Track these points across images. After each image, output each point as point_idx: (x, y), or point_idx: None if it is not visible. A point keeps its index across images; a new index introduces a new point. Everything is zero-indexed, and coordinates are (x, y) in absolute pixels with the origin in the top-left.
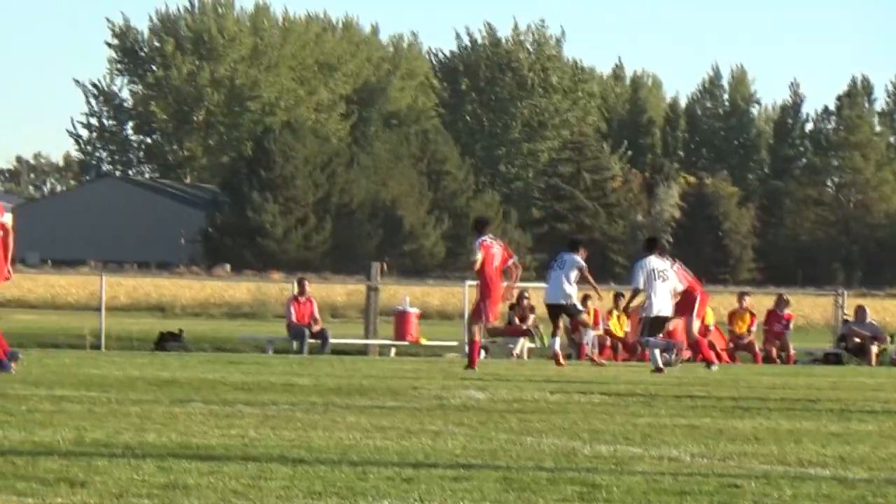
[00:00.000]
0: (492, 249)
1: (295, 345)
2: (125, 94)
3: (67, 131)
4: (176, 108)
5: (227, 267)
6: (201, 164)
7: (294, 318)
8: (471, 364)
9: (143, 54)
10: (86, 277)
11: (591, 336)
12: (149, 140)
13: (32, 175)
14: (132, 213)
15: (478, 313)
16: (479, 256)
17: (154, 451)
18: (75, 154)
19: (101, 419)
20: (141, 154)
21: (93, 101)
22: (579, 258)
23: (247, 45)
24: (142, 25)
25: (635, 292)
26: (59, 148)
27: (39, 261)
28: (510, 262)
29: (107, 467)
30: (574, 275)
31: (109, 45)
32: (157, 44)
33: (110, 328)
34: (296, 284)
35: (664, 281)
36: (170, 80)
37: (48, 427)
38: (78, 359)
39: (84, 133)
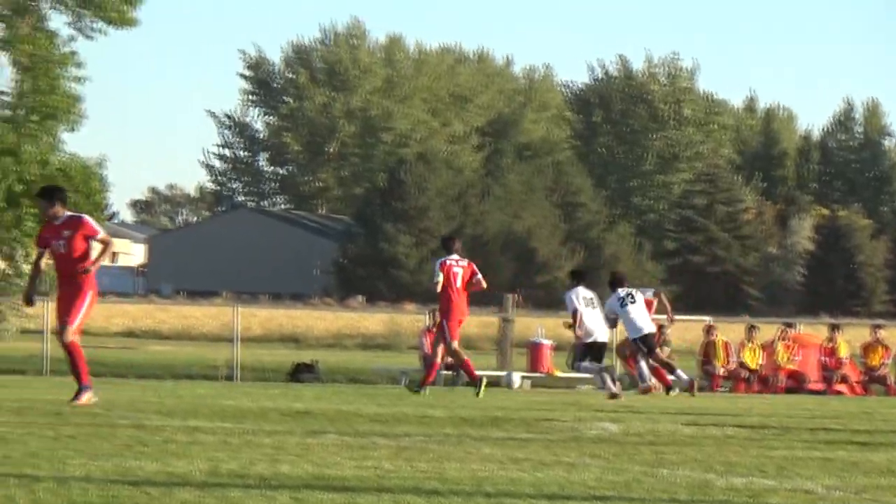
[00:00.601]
0: (453, 269)
1: None
2: (259, 125)
3: (201, 162)
4: (309, 140)
5: (361, 298)
6: (335, 196)
7: (428, 350)
8: (423, 383)
9: (276, 85)
10: (219, 308)
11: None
12: (282, 171)
13: (166, 206)
14: (265, 244)
15: (441, 333)
16: (440, 279)
17: (288, 482)
18: (209, 185)
19: (235, 450)
20: (275, 185)
21: (226, 133)
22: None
23: (380, 76)
24: (275, 57)
25: (574, 315)
26: (192, 179)
27: (173, 292)
28: (474, 279)
29: (241, 498)
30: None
31: (243, 76)
32: (290, 75)
33: (244, 359)
34: (429, 315)
35: (594, 308)
36: (303, 111)
37: (183, 458)
38: (212, 390)
39: (217, 164)
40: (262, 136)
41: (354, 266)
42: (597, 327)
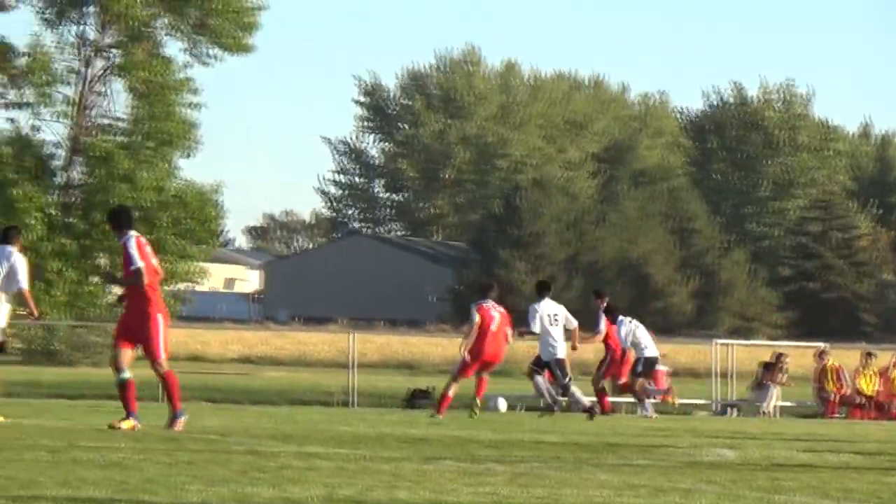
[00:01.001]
0: (490, 312)
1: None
2: (374, 151)
3: (316, 188)
4: (425, 166)
5: None
6: (450, 222)
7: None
8: (438, 410)
9: (391, 112)
10: (335, 335)
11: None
12: (398, 197)
13: (282, 232)
14: (381, 270)
15: (463, 369)
16: (477, 319)
17: None
18: (324, 211)
19: (351, 476)
20: (390, 212)
21: (342, 159)
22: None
23: (496, 102)
24: (390, 83)
25: (531, 334)
26: (308, 205)
27: (288, 318)
28: (508, 330)
29: None
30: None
31: (358, 102)
32: (405, 101)
33: (360, 385)
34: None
35: (557, 325)
36: (419, 137)
37: (299, 483)
38: (328, 415)
39: (333, 190)
40: (377, 162)
41: (470, 292)
42: (558, 343)
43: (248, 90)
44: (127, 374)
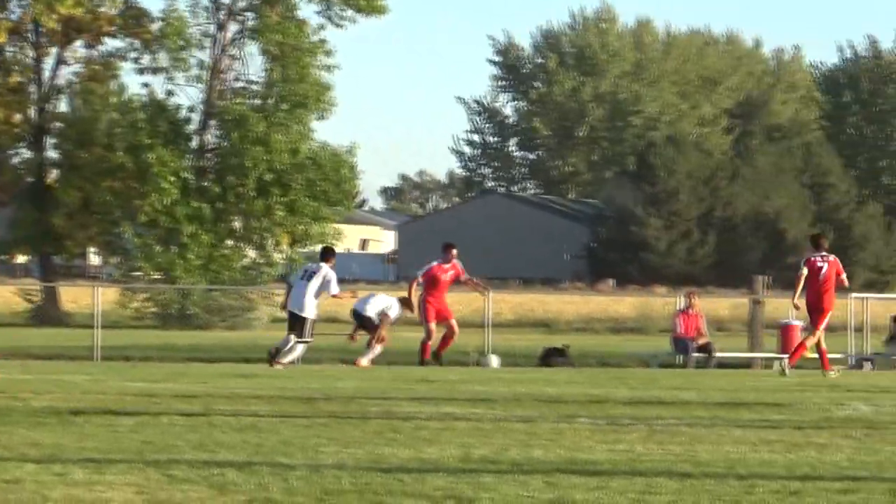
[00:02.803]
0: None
1: (680, 358)
2: (508, 110)
3: (450, 148)
4: (559, 124)
5: (611, 282)
6: (584, 179)
7: (680, 331)
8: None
9: (525, 71)
10: (469, 295)
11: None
12: (532, 156)
13: (416, 193)
14: (516, 229)
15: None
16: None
17: (541, 466)
18: (459, 171)
19: (487, 436)
20: (524, 170)
21: (476, 118)
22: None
23: (629, 60)
24: (524, 42)
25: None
26: (442, 165)
27: None
28: (463, 277)
29: (494, 484)
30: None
31: (492, 62)
32: (539, 60)
33: (495, 344)
34: (683, 298)
35: (309, 280)
36: (553, 95)
37: (435, 444)
38: (463, 375)
39: (467, 150)
40: (511, 121)
41: (605, 250)
42: (293, 299)
43: (382, 51)
44: None
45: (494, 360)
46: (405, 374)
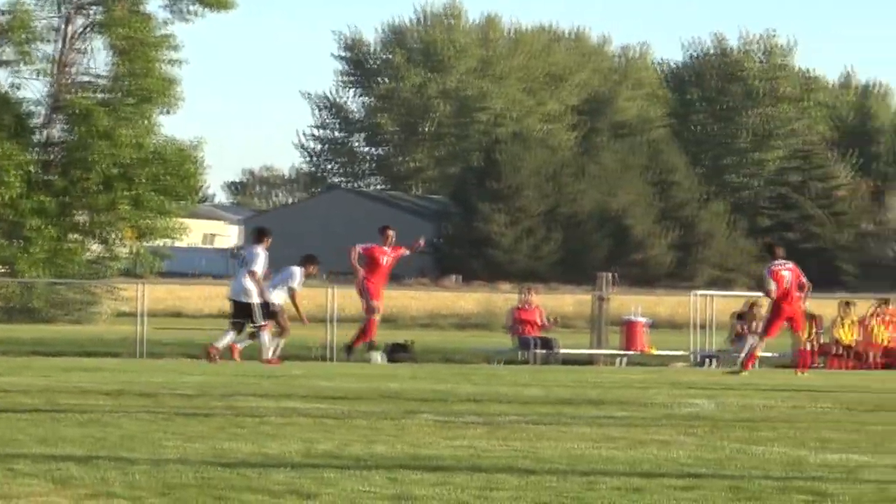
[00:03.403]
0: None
1: (524, 354)
2: (354, 106)
3: (296, 144)
4: (405, 120)
5: (456, 278)
6: (430, 176)
7: (519, 327)
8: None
9: (371, 66)
10: (315, 289)
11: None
12: (378, 152)
13: (262, 188)
14: (360, 224)
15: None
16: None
17: (383, 462)
18: (304, 166)
19: (330, 431)
20: (370, 166)
21: (321, 114)
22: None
23: (476, 56)
24: (370, 37)
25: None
26: (287, 160)
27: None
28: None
29: (336, 479)
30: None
31: (338, 57)
32: (386, 55)
33: (340, 339)
34: (522, 293)
35: (242, 266)
36: (399, 91)
37: (278, 439)
38: (307, 370)
39: (313, 145)
40: (357, 116)
41: (450, 246)
42: (232, 289)
43: (229, 46)
44: None
45: (378, 357)
46: (249, 369)
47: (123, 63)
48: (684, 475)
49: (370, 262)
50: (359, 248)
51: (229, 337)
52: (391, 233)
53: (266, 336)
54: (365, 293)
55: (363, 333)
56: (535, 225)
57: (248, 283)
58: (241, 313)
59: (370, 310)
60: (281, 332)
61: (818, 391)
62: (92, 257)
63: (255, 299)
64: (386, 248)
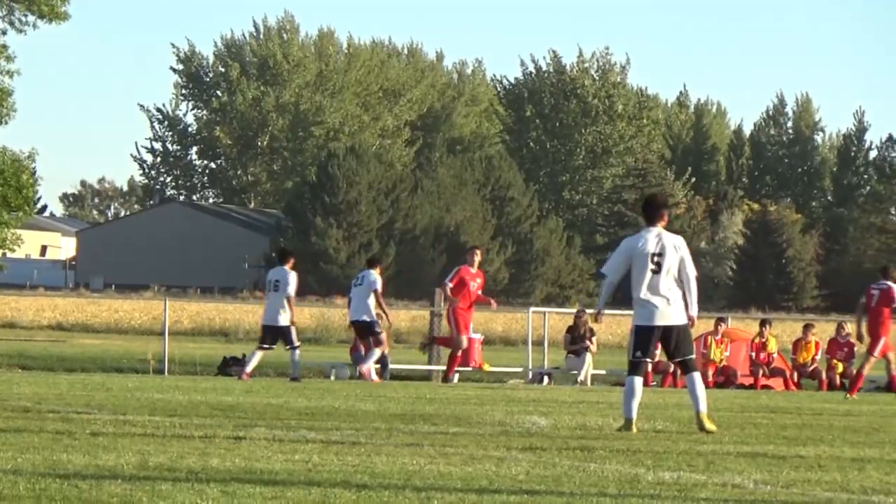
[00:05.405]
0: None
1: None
2: (189, 119)
3: (132, 156)
4: (240, 134)
5: None
6: (265, 189)
7: (357, 344)
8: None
9: (207, 80)
10: (149, 302)
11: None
12: (213, 165)
13: (97, 200)
14: (196, 237)
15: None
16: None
17: (218, 475)
18: (139, 179)
19: (164, 443)
20: (205, 179)
21: (157, 126)
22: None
23: (312, 70)
24: (207, 51)
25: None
26: (123, 173)
27: (103, 285)
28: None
29: (170, 492)
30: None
31: (174, 70)
32: (221, 69)
33: (173, 353)
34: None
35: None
36: (234, 105)
37: (112, 451)
38: (141, 383)
39: (148, 158)
40: (192, 129)
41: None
42: (267, 313)
43: (65, 58)
44: None
45: (334, 372)
46: (84, 380)
47: None
48: (520, 491)
49: (459, 287)
50: (448, 283)
51: (256, 358)
52: (479, 252)
53: (297, 354)
54: (452, 322)
55: (452, 361)
56: (370, 240)
57: (285, 306)
58: (276, 337)
59: (456, 344)
60: (378, 344)
61: (653, 409)
62: None
63: (289, 322)
64: (472, 270)
